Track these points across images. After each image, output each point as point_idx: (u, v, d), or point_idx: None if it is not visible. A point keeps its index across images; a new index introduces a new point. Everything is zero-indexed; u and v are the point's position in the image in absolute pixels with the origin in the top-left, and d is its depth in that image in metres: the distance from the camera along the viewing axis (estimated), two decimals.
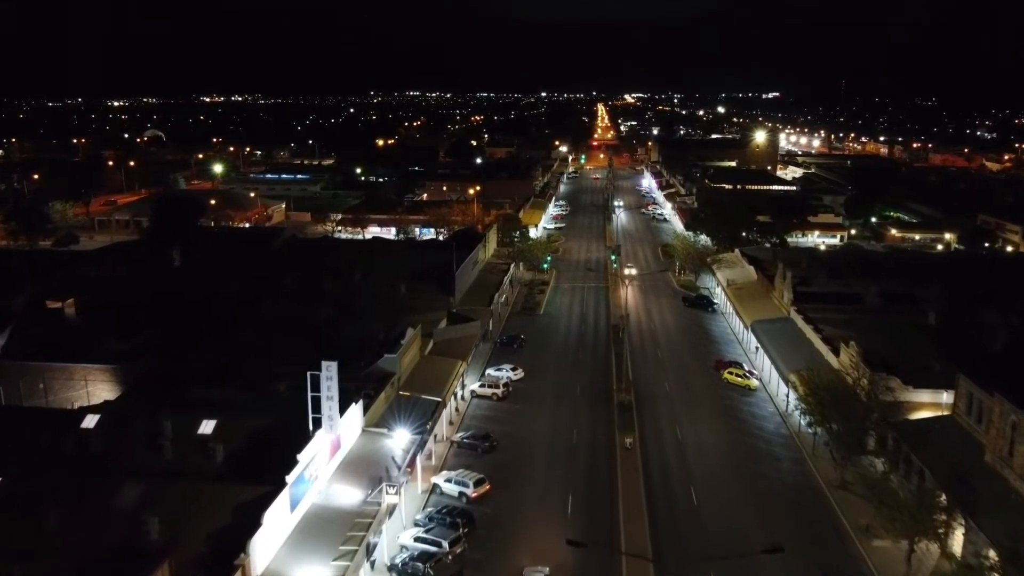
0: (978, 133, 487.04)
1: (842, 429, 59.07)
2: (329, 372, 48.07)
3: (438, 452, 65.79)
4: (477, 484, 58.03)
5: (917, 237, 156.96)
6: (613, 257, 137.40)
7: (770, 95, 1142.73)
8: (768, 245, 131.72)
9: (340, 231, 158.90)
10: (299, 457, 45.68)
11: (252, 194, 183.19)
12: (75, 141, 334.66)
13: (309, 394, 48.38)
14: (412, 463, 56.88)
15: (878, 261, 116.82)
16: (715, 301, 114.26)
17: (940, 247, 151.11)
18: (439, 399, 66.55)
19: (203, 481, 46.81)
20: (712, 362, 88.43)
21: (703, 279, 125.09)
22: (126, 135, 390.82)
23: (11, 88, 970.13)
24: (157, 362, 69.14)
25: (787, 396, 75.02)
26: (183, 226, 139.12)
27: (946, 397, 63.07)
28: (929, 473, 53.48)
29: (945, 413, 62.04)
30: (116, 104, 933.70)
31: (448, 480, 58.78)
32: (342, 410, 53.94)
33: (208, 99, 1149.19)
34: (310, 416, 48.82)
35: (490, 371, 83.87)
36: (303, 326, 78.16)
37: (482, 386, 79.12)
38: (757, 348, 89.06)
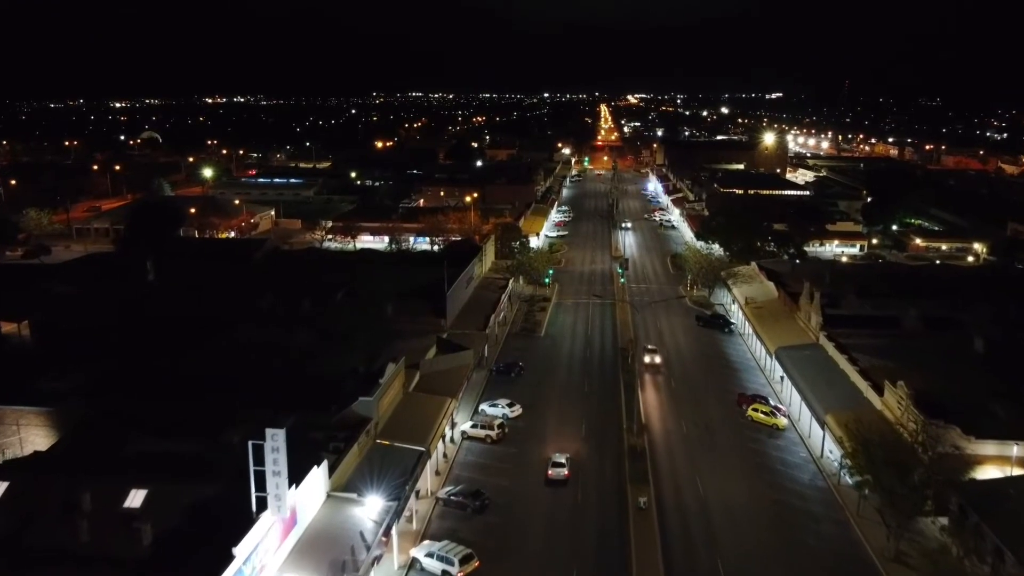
0: (987, 134, 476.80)
1: (899, 493, 49.63)
2: (275, 443, 38.72)
3: (421, 512, 56.52)
4: (464, 561, 48.66)
5: (943, 247, 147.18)
6: (620, 270, 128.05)
7: (773, 96, 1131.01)
8: (786, 257, 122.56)
9: (330, 240, 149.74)
10: (235, 552, 36.54)
11: (237, 201, 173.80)
12: (67, 143, 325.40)
13: (252, 468, 39.11)
14: (387, 533, 47.82)
15: (910, 276, 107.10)
16: (732, 321, 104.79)
17: (970, 259, 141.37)
18: (423, 449, 57.41)
19: None
20: (733, 395, 79.01)
21: (717, 294, 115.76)
22: (122, 137, 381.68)
23: (12, 88, 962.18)
24: (101, 403, 60.44)
25: (822, 439, 65.70)
26: (159, 236, 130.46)
27: (1016, 451, 53.99)
28: (1011, 555, 44.18)
29: (1017, 471, 52.86)
30: (117, 105, 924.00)
31: (429, 555, 49.42)
32: (303, 472, 45.10)
33: (210, 100, 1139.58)
34: (253, 495, 39.54)
35: (484, 407, 74.66)
36: (276, 355, 70.34)
37: (474, 426, 69.86)
38: (783, 378, 79.88)
